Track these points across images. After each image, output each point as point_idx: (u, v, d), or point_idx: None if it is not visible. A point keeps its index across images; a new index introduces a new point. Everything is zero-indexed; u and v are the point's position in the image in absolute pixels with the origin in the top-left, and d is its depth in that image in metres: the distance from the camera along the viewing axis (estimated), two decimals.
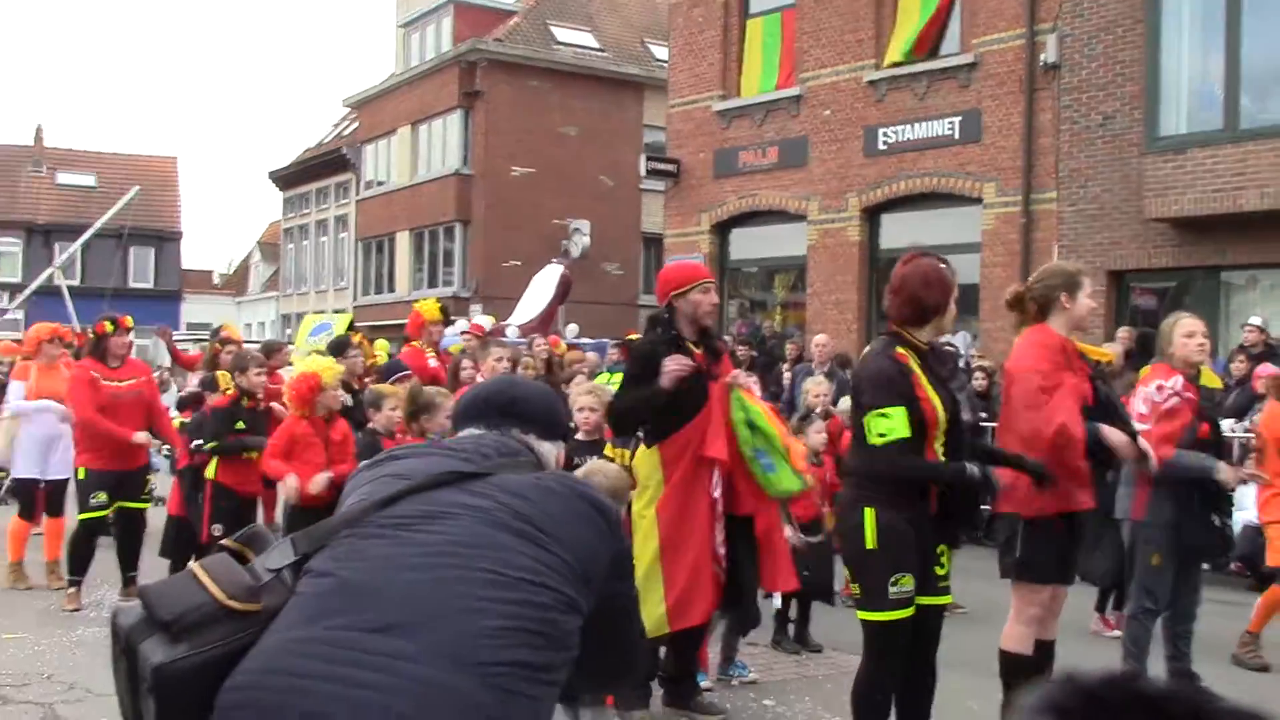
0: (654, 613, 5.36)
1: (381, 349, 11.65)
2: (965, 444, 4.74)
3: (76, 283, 36.77)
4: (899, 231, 17.06)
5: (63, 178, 43.80)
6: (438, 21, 32.37)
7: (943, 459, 4.55)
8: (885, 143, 16.74)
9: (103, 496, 7.71)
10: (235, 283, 51.93)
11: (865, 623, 4.61)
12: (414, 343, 10.25)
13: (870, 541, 4.49)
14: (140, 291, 42.20)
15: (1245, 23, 12.81)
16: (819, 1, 17.54)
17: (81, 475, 7.79)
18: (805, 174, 17.75)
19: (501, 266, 28.64)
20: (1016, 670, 5.13)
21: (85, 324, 28.67)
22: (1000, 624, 5.38)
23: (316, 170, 38.32)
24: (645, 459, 5.53)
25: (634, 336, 12.16)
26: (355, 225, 35.68)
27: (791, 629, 7.58)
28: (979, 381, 12.67)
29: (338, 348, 9.90)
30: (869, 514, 4.50)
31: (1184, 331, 5.99)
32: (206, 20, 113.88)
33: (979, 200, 15.78)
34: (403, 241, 32.92)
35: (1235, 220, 12.99)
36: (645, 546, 5.37)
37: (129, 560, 8.26)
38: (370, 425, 7.00)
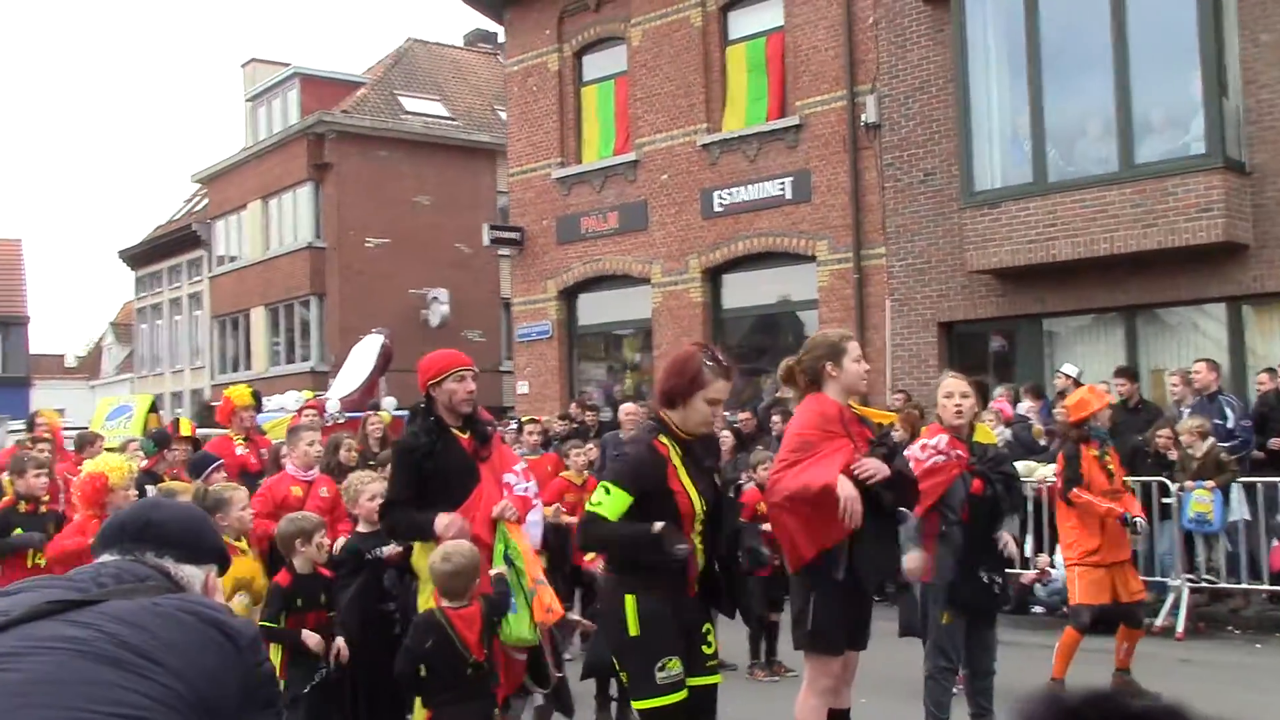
0: None
1: (185, 427, 11.32)
2: (726, 529, 4.80)
3: None
4: (740, 291, 17.31)
5: None
6: (284, 95, 32.03)
7: (699, 547, 4.58)
8: (721, 204, 16.99)
9: None
10: (89, 366, 50.31)
11: (639, 711, 4.59)
12: (225, 430, 10.05)
13: (633, 628, 4.49)
14: None
15: (1046, 80, 13.33)
16: (649, 69, 17.81)
17: None
18: (646, 238, 17.92)
19: (359, 339, 28.23)
20: None
21: None
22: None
23: (168, 248, 37.50)
24: (421, 552, 5.46)
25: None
26: (209, 302, 34.94)
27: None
28: None
29: (160, 440, 9.65)
30: (629, 601, 4.51)
31: (943, 392, 6.14)
32: (50, 97, 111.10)
33: (813, 258, 16.08)
34: (257, 317, 32.31)
35: (1051, 270, 13.45)
36: None
37: None
38: None
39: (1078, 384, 12.24)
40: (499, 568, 5.32)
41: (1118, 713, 1.09)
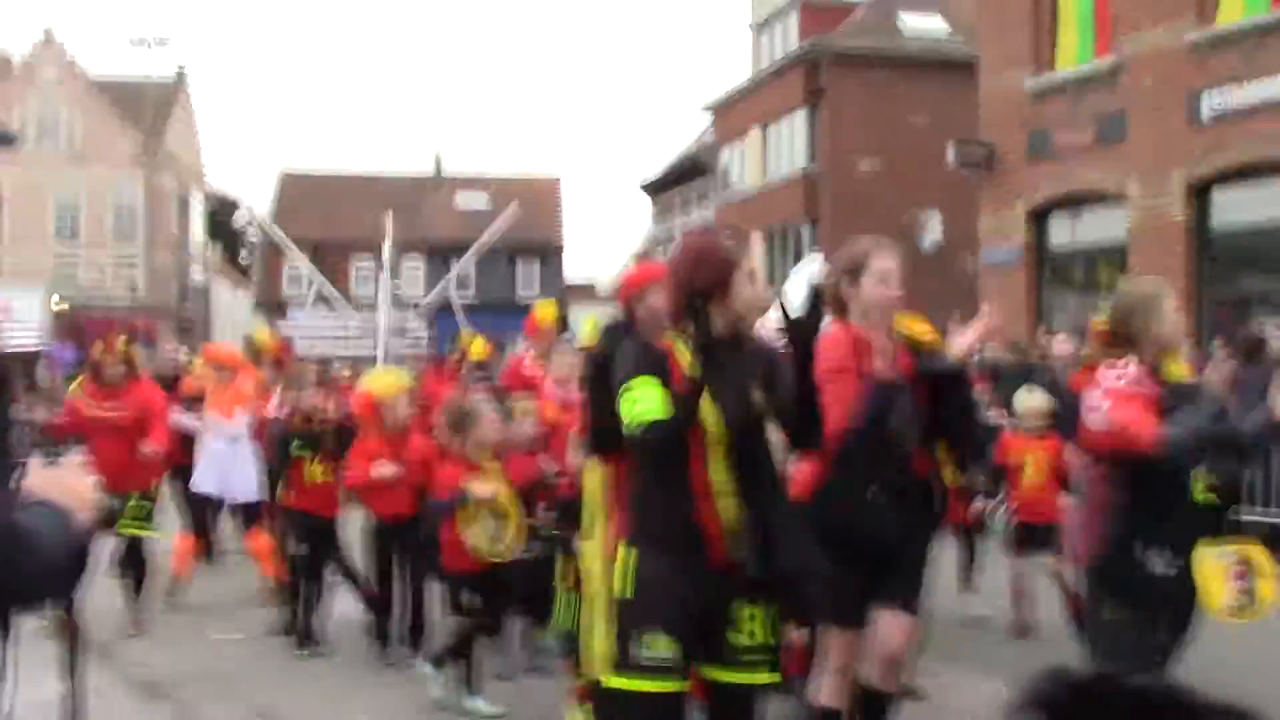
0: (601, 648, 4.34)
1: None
2: (769, 461, 3.63)
3: (471, 296, 39.60)
4: (1231, 210, 15.11)
5: (460, 201, 47.33)
6: (785, 21, 32.22)
7: (730, 479, 3.48)
8: (1212, 110, 14.82)
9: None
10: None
11: (605, 689, 3.60)
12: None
13: (625, 588, 3.53)
14: (527, 303, 44.87)
15: None
16: None
17: None
18: (1123, 151, 16.05)
19: None
20: None
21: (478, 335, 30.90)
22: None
23: (681, 177, 39.13)
24: (594, 475, 4.65)
25: None
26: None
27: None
28: None
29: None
30: (627, 555, 3.55)
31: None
32: (582, 43, 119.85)
33: None
34: (757, 244, 32.93)
35: None
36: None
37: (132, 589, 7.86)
38: None
39: None
40: None
41: (1124, 690, 1.10)
